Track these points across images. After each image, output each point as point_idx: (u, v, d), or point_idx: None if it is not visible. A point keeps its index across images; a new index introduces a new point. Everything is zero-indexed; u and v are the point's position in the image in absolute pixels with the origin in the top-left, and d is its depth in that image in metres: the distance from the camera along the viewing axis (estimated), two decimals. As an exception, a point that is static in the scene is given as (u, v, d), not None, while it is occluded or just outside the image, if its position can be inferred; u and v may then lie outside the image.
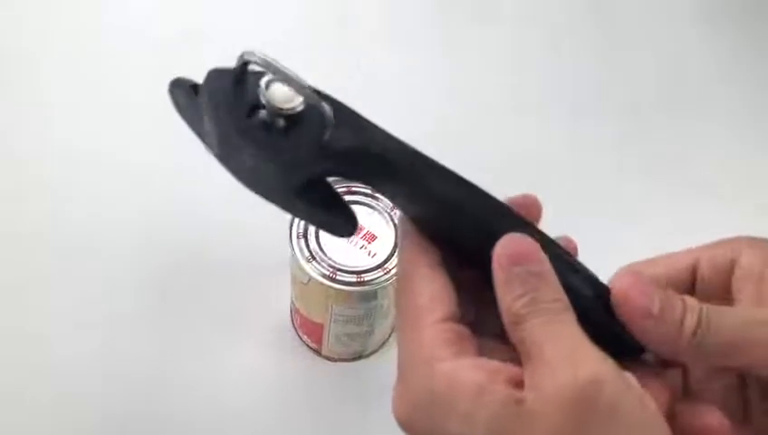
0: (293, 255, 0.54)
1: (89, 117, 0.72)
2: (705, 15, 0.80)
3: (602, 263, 0.33)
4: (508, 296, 0.27)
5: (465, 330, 0.29)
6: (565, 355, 0.27)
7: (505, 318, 0.28)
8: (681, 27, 0.80)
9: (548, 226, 0.32)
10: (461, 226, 0.29)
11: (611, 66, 0.77)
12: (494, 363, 0.28)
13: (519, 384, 0.27)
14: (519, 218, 0.30)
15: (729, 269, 0.32)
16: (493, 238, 0.28)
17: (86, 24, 0.76)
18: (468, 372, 0.27)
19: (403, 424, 0.28)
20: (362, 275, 0.53)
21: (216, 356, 0.62)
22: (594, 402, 0.26)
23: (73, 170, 0.69)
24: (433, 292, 0.28)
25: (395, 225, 0.54)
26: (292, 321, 0.64)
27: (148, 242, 0.67)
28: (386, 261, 0.54)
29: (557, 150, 0.72)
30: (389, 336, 0.64)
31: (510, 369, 0.27)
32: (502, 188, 0.32)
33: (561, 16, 0.80)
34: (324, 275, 0.53)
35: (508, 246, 0.28)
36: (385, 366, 0.63)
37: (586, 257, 0.33)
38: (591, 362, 0.27)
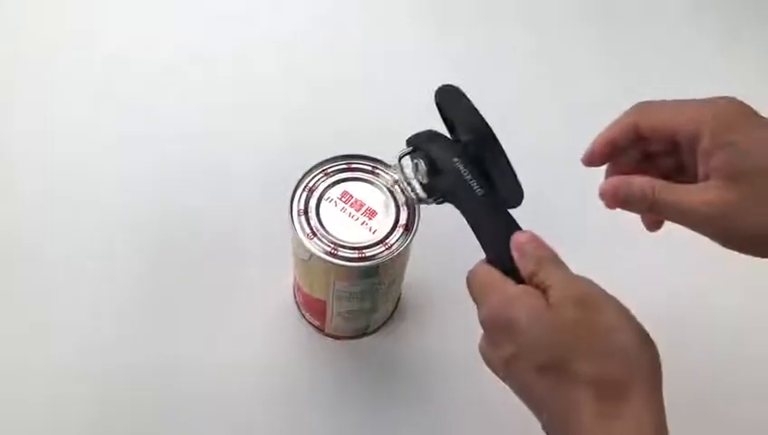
0: (294, 232, 0.54)
1: (90, 98, 0.72)
2: None
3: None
4: (523, 261, 0.47)
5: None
6: (568, 282, 0.45)
7: (525, 275, 0.46)
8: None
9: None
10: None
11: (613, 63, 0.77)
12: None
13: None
14: (516, 225, 0.49)
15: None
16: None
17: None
18: (517, 287, 0.46)
19: (496, 320, 0.45)
20: (363, 251, 0.53)
21: (219, 335, 0.63)
22: (592, 301, 0.44)
23: (72, 151, 0.69)
24: (495, 271, 0.48)
25: (395, 200, 0.54)
26: (295, 299, 0.64)
27: (150, 222, 0.67)
28: (387, 236, 0.53)
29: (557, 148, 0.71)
30: (392, 313, 0.64)
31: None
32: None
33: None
34: (326, 252, 0.53)
35: (518, 238, 0.47)
36: (387, 344, 0.64)
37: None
38: (587, 283, 0.45)
